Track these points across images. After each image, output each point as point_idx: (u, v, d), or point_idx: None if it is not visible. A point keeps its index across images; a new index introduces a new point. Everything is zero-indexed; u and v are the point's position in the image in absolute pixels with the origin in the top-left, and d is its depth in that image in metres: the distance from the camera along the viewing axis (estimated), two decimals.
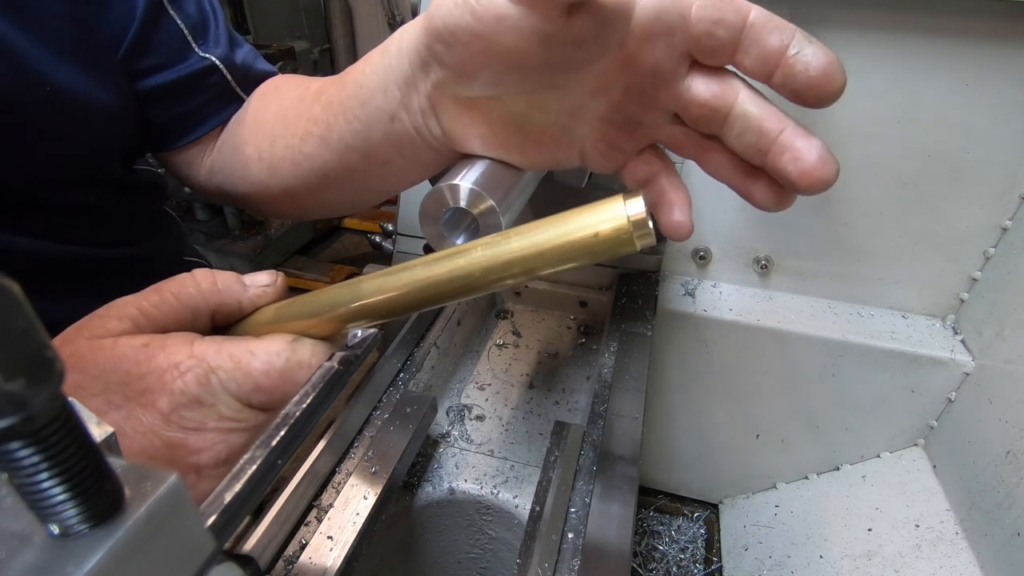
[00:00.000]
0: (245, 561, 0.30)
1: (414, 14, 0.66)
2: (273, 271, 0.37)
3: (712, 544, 0.81)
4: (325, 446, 0.49)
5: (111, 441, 0.20)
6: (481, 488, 0.57)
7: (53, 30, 0.44)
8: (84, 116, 0.47)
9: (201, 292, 0.34)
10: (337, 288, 0.34)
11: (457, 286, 0.31)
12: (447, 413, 0.66)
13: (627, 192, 0.28)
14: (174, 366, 0.30)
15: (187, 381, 0.30)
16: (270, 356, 0.32)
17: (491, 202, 0.38)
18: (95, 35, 0.48)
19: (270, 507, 0.43)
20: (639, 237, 0.27)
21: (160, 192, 0.63)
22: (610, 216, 0.27)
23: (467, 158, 0.41)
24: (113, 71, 0.49)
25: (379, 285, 0.33)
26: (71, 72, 0.45)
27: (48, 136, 0.46)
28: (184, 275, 0.34)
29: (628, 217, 0.27)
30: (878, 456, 0.75)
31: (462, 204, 0.38)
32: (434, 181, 0.40)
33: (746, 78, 0.31)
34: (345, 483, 0.47)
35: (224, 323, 0.36)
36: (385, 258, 0.88)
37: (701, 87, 0.32)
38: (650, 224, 0.27)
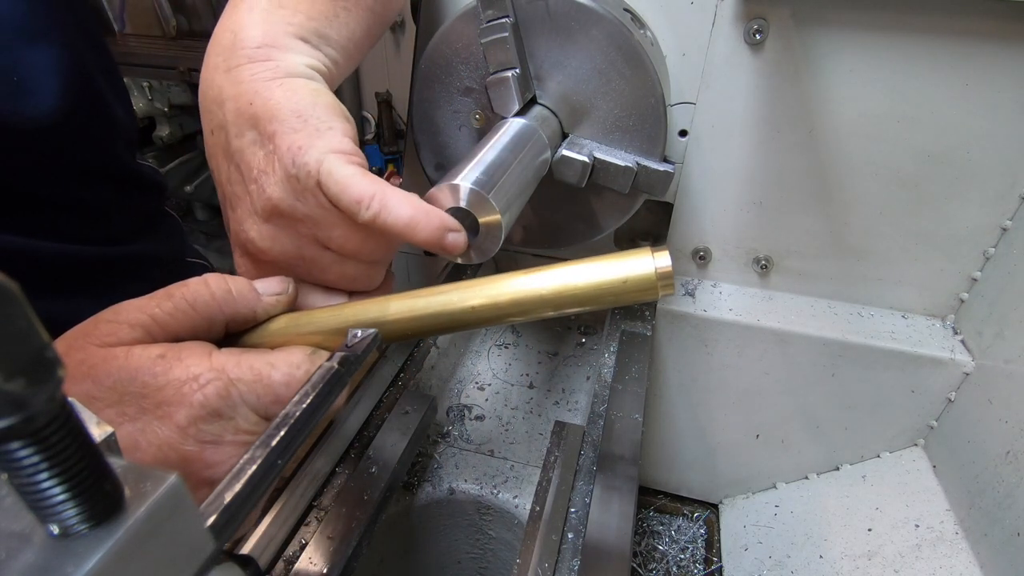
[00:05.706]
0: (245, 561, 0.30)
1: (414, 12, 0.65)
2: (284, 278, 0.36)
3: (712, 544, 0.81)
4: (325, 446, 0.49)
5: (111, 441, 0.20)
6: (481, 488, 0.57)
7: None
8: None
9: (216, 301, 0.33)
10: (363, 304, 0.35)
11: (487, 315, 0.32)
12: (447, 413, 0.66)
13: (655, 246, 0.31)
14: (193, 378, 0.30)
15: (207, 393, 0.30)
16: (291, 368, 0.32)
17: (491, 202, 0.38)
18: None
19: (270, 507, 0.43)
20: (663, 287, 0.30)
21: (160, 190, 0.63)
22: (639, 265, 0.30)
23: (467, 158, 0.41)
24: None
25: (408, 307, 0.33)
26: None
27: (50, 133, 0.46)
28: (196, 280, 0.33)
29: (656, 268, 0.30)
30: (878, 456, 0.75)
31: (462, 204, 0.38)
32: (434, 181, 0.40)
33: None
34: (345, 484, 0.47)
35: (237, 331, 0.36)
36: None
37: None
38: (673, 277, 0.30)
